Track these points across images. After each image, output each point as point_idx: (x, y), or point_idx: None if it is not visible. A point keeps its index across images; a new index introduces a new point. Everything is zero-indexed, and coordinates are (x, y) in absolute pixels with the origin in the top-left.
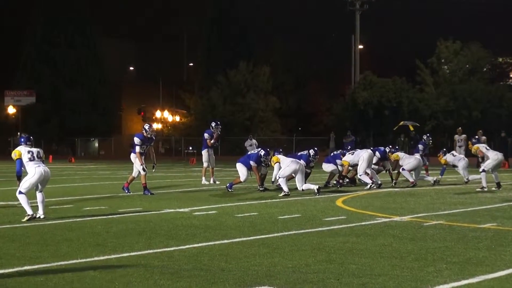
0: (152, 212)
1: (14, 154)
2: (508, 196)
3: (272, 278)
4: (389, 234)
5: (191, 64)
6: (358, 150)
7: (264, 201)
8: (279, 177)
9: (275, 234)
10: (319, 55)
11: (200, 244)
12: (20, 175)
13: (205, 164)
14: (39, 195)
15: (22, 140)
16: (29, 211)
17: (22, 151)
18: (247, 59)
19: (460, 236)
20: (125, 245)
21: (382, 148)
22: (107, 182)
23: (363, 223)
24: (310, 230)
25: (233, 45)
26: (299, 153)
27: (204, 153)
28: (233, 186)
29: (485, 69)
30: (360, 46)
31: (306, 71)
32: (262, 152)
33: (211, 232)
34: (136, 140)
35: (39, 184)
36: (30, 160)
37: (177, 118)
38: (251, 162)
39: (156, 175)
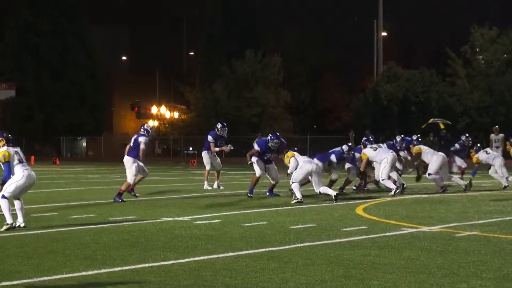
0: (148, 221)
1: (4, 156)
2: None
3: None
4: (416, 247)
5: (192, 53)
6: (383, 148)
7: (275, 208)
8: (293, 182)
9: (287, 246)
10: (336, 44)
11: (201, 257)
12: (7, 180)
13: (207, 167)
14: (17, 202)
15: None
16: (9, 220)
17: (11, 152)
18: (255, 48)
19: (496, 249)
20: (116, 258)
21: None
22: (96, 187)
23: (386, 234)
24: (326, 241)
25: (239, 32)
26: (330, 151)
27: (205, 154)
28: (254, 190)
29: None
30: (384, 34)
31: (321, 61)
32: (269, 137)
33: (214, 243)
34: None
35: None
36: (20, 162)
37: (176, 115)
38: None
39: (151, 179)
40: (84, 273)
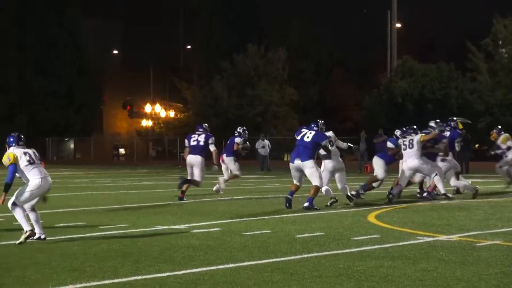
0: (141, 230)
1: (8, 158)
2: None
3: None
4: (433, 257)
5: (189, 47)
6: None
7: (279, 216)
8: (322, 189)
9: (292, 257)
10: (346, 37)
11: (199, 269)
12: (11, 184)
13: (238, 173)
14: (32, 214)
15: (12, 139)
16: (27, 227)
17: (18, 154)
18: (257, 41)
19: None
20: (107, 270)
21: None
22: (84, 193)
23: (400, 243)
24: (335, 252)
25: (241, 25)
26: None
27: (231, 160)
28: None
29: None
30: (398, 25)
31: (330, 56)
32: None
33: (213, 254)
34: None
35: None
36: (30, 163)
37: (172, 114)
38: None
39: (146, 184)
40: (71, 286)
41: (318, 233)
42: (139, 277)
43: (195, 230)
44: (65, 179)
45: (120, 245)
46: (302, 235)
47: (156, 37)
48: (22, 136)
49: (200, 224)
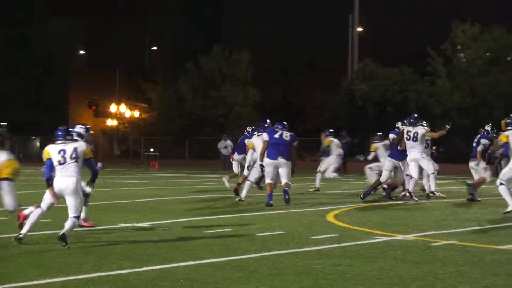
0: (104, 227)
1: (43, 155)
2: None
3: None
4: (390, 256)
5: (155, 48)
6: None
7: (240, 214)
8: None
9: (252, 255)
10: (309, 40)
11: (161, 266)
12: (50, 179)
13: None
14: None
15: (59, 133)
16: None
17: (51, 151)
18: (222, 43)
19: (475, 260)
20: (71, 266)
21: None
22: None
23: (358, 243)
24: (294, 250)
25: (206, 27)
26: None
27: (242, 159)
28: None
29: (509, 58)
30: (359, 29)
31: (293, 59)
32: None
33: (174, 251)
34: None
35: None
36: (60, 163)
37: (136, 114)
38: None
39: (110, 183)
40: (36, 282)
41: (278, 232)
42: (102, 274)
43: (157, 228)
44: (31, 177)
45: (84, 242)
46: (262, 234)
47: (122, 39)
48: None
49: (162, 222)
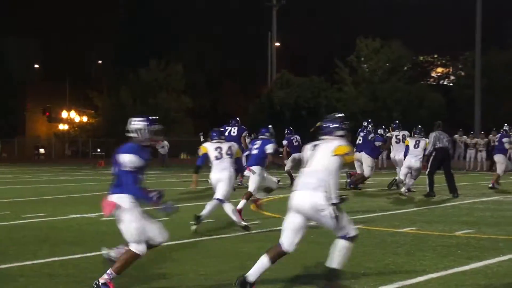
0: (57, 218)
1: (199, 150)
2: (426, 199)
3: (183, 287)
4: (305, 239)
5: (100, 61)
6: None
7: (176, 205)
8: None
9: (187, 240)
10: (234, 54)
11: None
12: (199, 166)
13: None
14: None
15: (214, 134)
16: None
17: (209, 148)
18: (159, 57)
19: (378, 241)
20: (27, 252)
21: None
22: (8, 187)
23: (278, 228)
24: (223, 235)
25: (145, 43)
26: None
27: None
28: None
29: (405, 68)
30: (277, 44)
31: (220, 70)
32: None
33: (119, 238)
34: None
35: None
36: (217, 158)
37: (85, 119)
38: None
39: (62, 179)
40: None
41: (209, 220)
42: (56, 259)
43: (104, 218)
44: None
45: (39, 231)
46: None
47: (73, 53)
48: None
49: None
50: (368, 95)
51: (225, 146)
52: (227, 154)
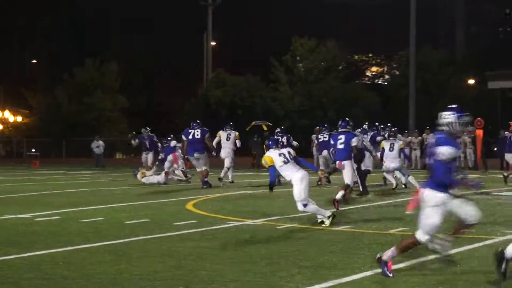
0: None
1: (265, 162)
2: (361, 198)
3: (118, 286)
4: (241, 239)
5: (35, 61)
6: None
7: (111, 205)
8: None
9: (122, 240)
10: (170, 53)
11: (41, 252)
12: (274, 182)
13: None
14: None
15: (271, 143)
16: (327, 212)
17: (273, 156)
18: (94, 56)
19: (313, 240)
20: None
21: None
22: None
23: (214, 227)
24: (159, 235)
25: (80, 42)
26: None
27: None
28: None
29: (340, 67)
30: (213, 43)
31: (156, 69)
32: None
33: (53, 238)
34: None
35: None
36: (285, 163)
37: (19, 119)
38: None
39: None
40: None
41: (144, 220)
42: None
43: (38, 219)
44: None
45: None
46: (131, 221)
47: (6, 52)
48: (280, 140)
49: (42, 213)
50: (304, 94)
51: (284, 151)
52: (291, 157)
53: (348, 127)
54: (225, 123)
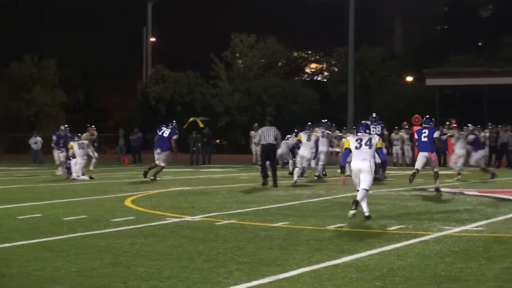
0: None
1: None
2: (300, 194)
3: (55, 283)
4: (179, 235)
5: None
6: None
7: (49, 201)
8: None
9: (59, 237)
10: (110, 49)
11: None
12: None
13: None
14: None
15: (360, 127)
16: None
17: (350, 140)
18: (32, 51)
19: (252, 236)
20: None
21: None
22: None
23: (152, 224)
24: (96, 232)
25: (17, 37)
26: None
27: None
28: None
29: (280, 63)
30: (153, 39)
31: (96, 65)
32: None
33: None
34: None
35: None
36: (356, 148)
37: None
38: None
39: None
40: None
41: (82, 216)
42: None
43: None
44: None
45: None
46: (68, 218)
47: None
48: (368, 124)
49: None
50: (243, 91)
51: (365, 138)
52: (366, 145)
53: (431, 123)
54: (164, 119)
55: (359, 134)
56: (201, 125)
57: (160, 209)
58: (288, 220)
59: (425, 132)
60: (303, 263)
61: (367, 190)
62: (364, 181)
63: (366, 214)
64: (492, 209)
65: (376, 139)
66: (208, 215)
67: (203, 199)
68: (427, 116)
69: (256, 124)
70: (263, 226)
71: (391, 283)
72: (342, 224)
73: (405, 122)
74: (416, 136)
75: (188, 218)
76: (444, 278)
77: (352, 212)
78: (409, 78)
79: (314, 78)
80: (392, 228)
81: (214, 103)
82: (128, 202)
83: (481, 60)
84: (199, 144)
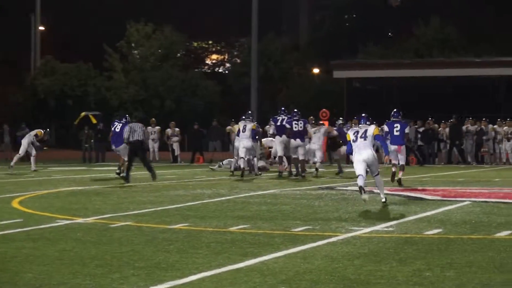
0: None
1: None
2: (201, 193)
3: None
4: (71, 238)
5: None
6: None
7: None
8: None
9: None
10: None
11: None
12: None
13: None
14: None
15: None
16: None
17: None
18: None
19: (149, 238)
20: None
21: None
22: None
23: (41, 226)
24: None
25: None
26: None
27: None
28: None
29: (179, 54)
30: (41, 28)
31: None
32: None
33: None
34: None
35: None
36: (353, 141)
37: None
38: None
39: None
40: None
41: None
42: None
43: None
44: None
45: None
46: None
47: None
48: (368, 116)
49: None
50: (139, 83)
51: (361, 130)
52: (361, 137)
53: (399, 117)
54: (54, 113)
55: (360, 125)
56: (94, 120)
57: (50, 210)
58: (188, 221)
59: (397, 126)
60: (204, 267)
61: (378, 174)
62: (372, 169)
63: (383, 200)
64: (403, 208)
65: (371, 129)
66: (101, 216)
67: (97, 200)
68: (395, 109)
69: (153, 119)
70: (161, 228)
71: (298, 287)
72: (245, 226)
73: (311, 117)
74: (387, 129)
75: (80, 220)
76: (353, 282)
77: (365, 196)
78: (316, 70)
79: (215, 70)
80: (297, 229)
81: (108, 96)
82: (15, 203)
83: (391, 51)
84: (92, 141)
